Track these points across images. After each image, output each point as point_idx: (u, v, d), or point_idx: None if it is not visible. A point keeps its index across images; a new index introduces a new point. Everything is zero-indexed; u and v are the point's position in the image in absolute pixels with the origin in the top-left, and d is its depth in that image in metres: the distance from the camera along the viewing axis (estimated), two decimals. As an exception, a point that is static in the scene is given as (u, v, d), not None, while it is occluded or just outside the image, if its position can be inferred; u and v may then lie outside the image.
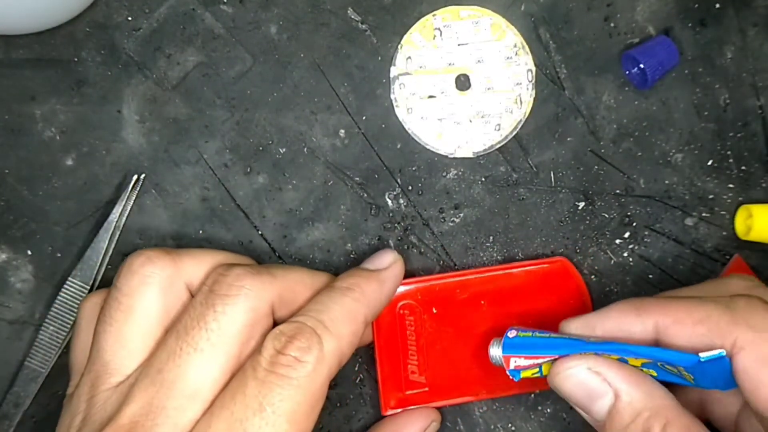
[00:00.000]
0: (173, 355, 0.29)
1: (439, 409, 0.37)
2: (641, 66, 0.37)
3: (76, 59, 0.38)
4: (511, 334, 0.31)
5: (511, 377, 0.31)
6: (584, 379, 0.29)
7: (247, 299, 0.29)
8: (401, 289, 0.37)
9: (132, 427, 0.28)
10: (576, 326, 0.31)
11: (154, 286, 0.31)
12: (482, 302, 0.37)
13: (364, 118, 0.38)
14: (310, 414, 0.28)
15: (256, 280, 0.30)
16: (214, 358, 0.29)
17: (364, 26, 0.39)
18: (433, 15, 0.39)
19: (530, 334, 0.31)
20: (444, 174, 0.38)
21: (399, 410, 0.36)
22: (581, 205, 0.38)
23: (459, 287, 0.37)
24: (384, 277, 0.34)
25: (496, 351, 0.31)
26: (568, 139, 0.38)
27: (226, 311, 0.29)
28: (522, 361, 0.30)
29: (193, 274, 0.32)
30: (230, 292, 0.29)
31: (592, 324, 0.30)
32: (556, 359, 0.30)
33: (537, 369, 0.31)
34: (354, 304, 0.31)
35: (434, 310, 0.37)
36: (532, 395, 0.38)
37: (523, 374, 0.31)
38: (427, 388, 0.36)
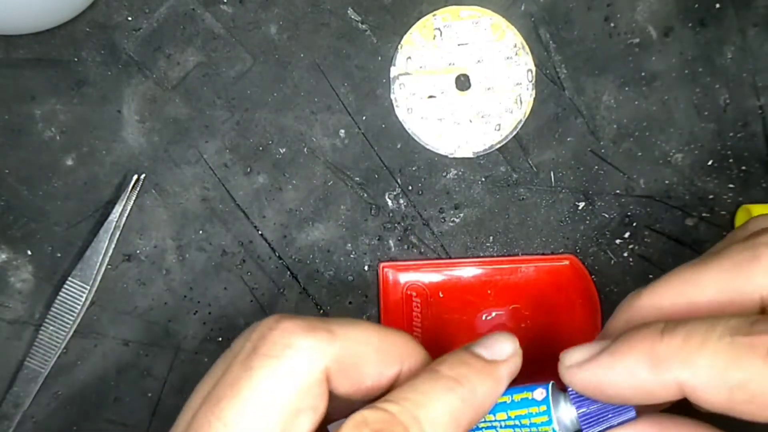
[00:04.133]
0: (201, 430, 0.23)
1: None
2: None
3: (76, 59, 0.38)
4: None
5: None
6: None
7: (295, 362, 0.23)
8: (410, 272, 0.37)
9: None
10: (582, 377, 0.24)
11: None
12: (489, 291, 0.37)
13: (364, 118, 0.38)
14: None
15: (308, 338, 0.23)
16: None
17: (364, 26, 0.39)
18: (433, 15, 0.39)
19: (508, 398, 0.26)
20: (444, 174, 0.38)
21: None
22: (581, 205, 0.38)
23: (468, 274, 0.37)
24: (501, 374, 0.25)
25: None
26: (568, 139, 0.38)
27: (266, 376, 0.23)
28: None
29: None
30: (273, 352, 0.23)
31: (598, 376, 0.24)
32: None
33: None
34: (461, 405, 0.24)
35: (441, 294, 0.37)
36: (532, 395, 0.38)
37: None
38: None
